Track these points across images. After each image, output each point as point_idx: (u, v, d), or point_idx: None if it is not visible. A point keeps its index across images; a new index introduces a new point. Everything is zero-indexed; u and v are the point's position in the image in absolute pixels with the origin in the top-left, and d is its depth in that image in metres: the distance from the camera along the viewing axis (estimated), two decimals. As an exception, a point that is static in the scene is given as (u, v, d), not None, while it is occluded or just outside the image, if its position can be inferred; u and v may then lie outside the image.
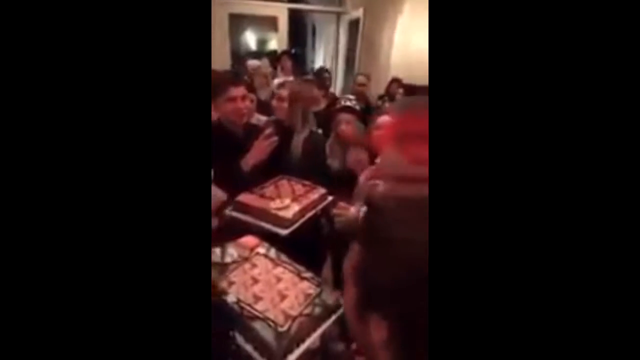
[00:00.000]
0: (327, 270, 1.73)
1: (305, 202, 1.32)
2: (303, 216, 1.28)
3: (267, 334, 0.78)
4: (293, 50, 5.69)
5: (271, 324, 0.80)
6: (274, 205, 1.27)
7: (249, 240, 1.15)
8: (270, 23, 5.69)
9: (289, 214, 1.23)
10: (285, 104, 1.71)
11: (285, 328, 0.79)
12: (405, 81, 3.11)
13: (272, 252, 1.10)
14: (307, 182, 1.46)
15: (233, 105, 1.48)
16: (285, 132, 1.65)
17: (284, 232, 1.19)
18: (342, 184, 1.51)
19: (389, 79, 3.36)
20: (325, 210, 1.42)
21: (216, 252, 1.05)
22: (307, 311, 0.85)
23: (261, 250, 1.10)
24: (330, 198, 1.42)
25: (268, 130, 1.48)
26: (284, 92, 1.74)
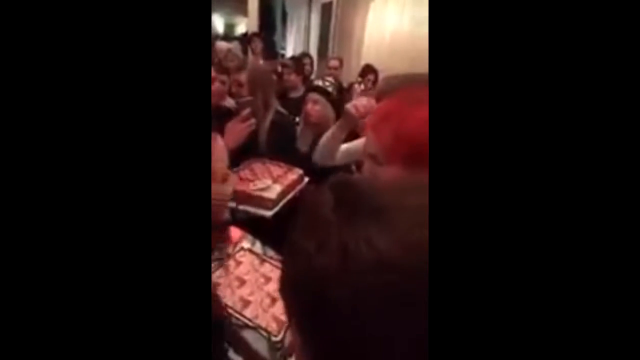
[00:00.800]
0: None
1: (285, 182, 1.24)
2: (285, 197, 1.20)
3: (260, 345, 0.69)
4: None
5: (263, 333, 0.70)
6: (254, 186, 1.17)
7: (232, 232, 1.04)
8: (239, 4, 5.43)
9: (272, 194, 1.14)
10: (244, 89, 1.59)
11: (279, 338, 0.70)
12: (377, 67, 3.08)
13: (257, 246, 1.00)
14: (281, 164, 1.36)
15: None
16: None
17: (268, 213, 1.11)
18: (312, 167, 1.38)
19: (362, 64, 3.32)
20: (304, 193, 1.33)
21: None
22: (302, 316, 0.77)
23: (245, 244, 0.99)
24: (307, 179, 1.35)
25: (245, 112, 1.35)
26: (242, 77, 1.62)
